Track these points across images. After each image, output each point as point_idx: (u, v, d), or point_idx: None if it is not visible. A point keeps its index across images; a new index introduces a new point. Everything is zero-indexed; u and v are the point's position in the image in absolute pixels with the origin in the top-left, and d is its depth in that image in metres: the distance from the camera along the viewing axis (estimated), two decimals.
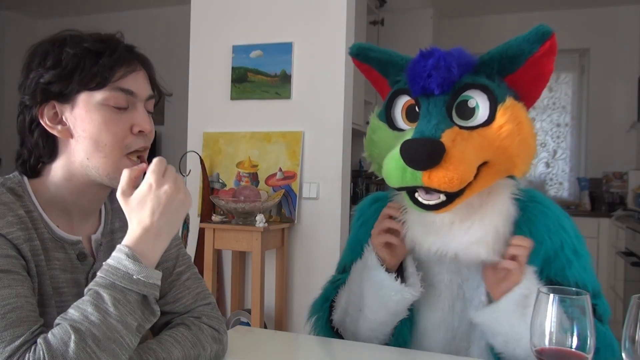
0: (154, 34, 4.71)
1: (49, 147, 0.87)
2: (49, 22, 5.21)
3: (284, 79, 2.87)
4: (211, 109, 3.04)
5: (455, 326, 1.10)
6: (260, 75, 2.92)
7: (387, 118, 1.08)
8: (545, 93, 4.80)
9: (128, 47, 0.90)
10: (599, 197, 4.53)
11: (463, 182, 0.94)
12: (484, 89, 0.99)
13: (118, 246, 0.79)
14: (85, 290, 0.77)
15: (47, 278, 0.84)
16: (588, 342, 0.69)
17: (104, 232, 0.97)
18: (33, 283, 0.81)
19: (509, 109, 0.98)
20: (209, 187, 2.94)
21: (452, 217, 1.02)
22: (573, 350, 0.69)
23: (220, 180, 2.97)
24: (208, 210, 2.90)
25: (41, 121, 0.86)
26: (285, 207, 2.84)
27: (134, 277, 0.76)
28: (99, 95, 0.85)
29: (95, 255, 0.94)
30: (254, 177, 2.91)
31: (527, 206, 1.07)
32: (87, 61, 0.84)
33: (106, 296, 0.74)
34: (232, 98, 2.98)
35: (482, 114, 0.99)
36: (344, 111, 2.77)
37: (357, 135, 3.16)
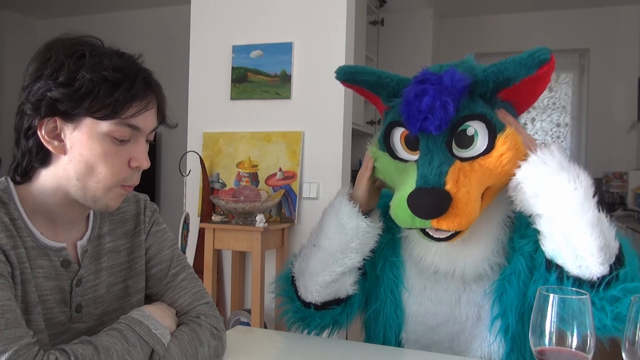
0: (154, 34, 4.71)
1: (42, 156, 0.85)
2: (49, 23, 5.20)
3: (284, 79, 2.87)
4: (211, 109, 3.04)
5: (463, 319, 1.11)
6: (260, 75, 2.92)
7: (387, 148, 1.08)
8: (545, 93, 4.80)
9: (146, 77, 0.86)
10: (599, 197, 4.52)
11: (471, 221, 0.96)
12: (482, 119, 0.99)
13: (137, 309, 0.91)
14: (114, 325, 0.86)
15: (32, 286, 0.83)
16: (588, 342, 0.69)
17: (90, 238, 0.95)
18: (16, 291, 0.81)
19: (509, 137, 0.99)
20: (209, 187, 2.94)
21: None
22: (573, 350, 0.69)
23: (220, 180, 2.98)
24: (208, 210, 2.90)
25: (38, 132, 0.83)
26: (285, 207, 2.84)
27: (152, 330, 0.87)
28: (105, 126, 0.83)
29: (81, 262, 0.93)
30: (254, 177, 2.91)
31: None
32: (102, 90, 0.81)
33: (130, 337, 0.84)
34: (232, 98, 2.98)
35: (481, 142, 0.99)
36: (344, 111, 2.77)
37: (357, 135, 3.16)
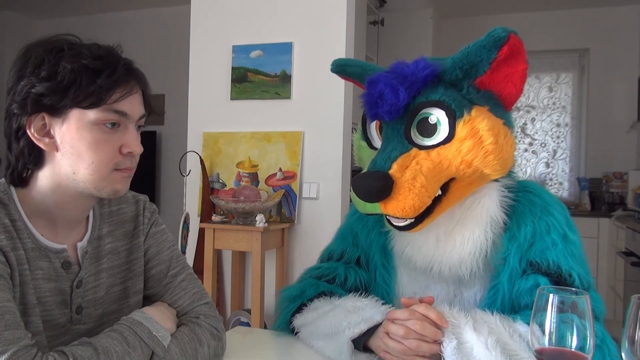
0: (154, 34, 4.70)
1: (35, 156, 0.85)
2: (49, 23, 5.20)
3: (284, 79, 2.87)
4: (211, 109, 3.04)
5: None
6: (260, 75, 2.92)
7: (365, 137, 1.10)
8: (545, 93, 4.80)
9: (127, 64, 0.87)
10: (599, 197, 4.53)
11: (417, 209, 0.95)
12: (440, 105, 0.97)
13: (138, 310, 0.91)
14: (115, 326, 0.85)
15: (30, 288, 0.83)
16: (588, 342, 0.69)
17: (90, 239, 0.95)
18: (15, 293, 0.81)
19: (468, 123, 0.96)
20: (209, 187, 2.94)
21: (436, 231, 1.04)
22: (573, 350, 0.69)
23: (220, 180, 2.98)
24: (208, 210, 2.90)
25: (28, 131, 0.83)
26: (285, 207, 2.85)
27: (153, 332, 0.86)
28: (92, 115, 0.83)
29: (81, 263, 0.93)
30: (254, 177, 2.91)
31: (518, 198, 1.06)
32: (84, 79, 0.81)
33: (130, 339, 0.83)
34: (232, 98, 2.98)
35: (443, 130, 0.97)
36: (344, 111, 2.77)
37: None
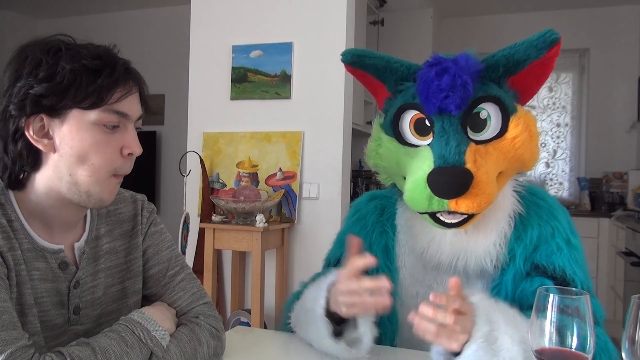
0: (154, 34, 4.71)
1: (33, 158, 0.84)
2: (49, 22, 5.21)
3: (284, 79, 2.87)
4: (211, 109, 3.04)
5: None
6: (260, 75, 2.92)
7: (395, 133, 1.06)
8: (545, 93, 4.81)
9: (125, 64, 0.86)
10: (599, 197, 4.53)
11: (490, 203, 0.96)
12: (496, 101, 0.99)
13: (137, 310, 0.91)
14: (113, 326, 0.85)
15: (27, 288, 0.83)
16: (588, 343, 0.69)
17: (88, 239, 0.94)
18: (12, 293, 0.80)
19: (521, 118, 0.99)
20: (209, 187, 2.94)
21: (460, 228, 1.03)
22: (573, 350, 0.69)
23: (220, 180, 2.98)
24: (208, 210, 2.90)
25: (26, 133, 0.82)
26: (285, 207, 2.85)
27: (152, 333, 0.86)
28: (92, 115, 0.82)
29: (78, 264, 0.92)
30: (254, 177, 2.91)
31: (524, 200, 1.08)
32: (84, 79, 0.81)
33: (129, 339, 0.83)
34: (232, 98, 2.98)
35: (494, 125, 0.99)
36: (344, 111, 2.77)
37: (357, 135, 3.16)
